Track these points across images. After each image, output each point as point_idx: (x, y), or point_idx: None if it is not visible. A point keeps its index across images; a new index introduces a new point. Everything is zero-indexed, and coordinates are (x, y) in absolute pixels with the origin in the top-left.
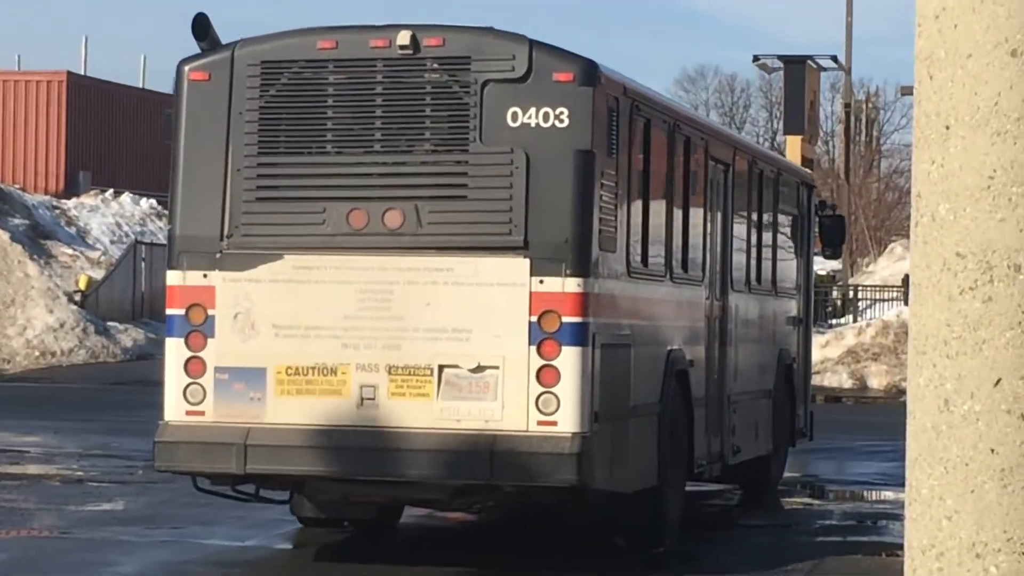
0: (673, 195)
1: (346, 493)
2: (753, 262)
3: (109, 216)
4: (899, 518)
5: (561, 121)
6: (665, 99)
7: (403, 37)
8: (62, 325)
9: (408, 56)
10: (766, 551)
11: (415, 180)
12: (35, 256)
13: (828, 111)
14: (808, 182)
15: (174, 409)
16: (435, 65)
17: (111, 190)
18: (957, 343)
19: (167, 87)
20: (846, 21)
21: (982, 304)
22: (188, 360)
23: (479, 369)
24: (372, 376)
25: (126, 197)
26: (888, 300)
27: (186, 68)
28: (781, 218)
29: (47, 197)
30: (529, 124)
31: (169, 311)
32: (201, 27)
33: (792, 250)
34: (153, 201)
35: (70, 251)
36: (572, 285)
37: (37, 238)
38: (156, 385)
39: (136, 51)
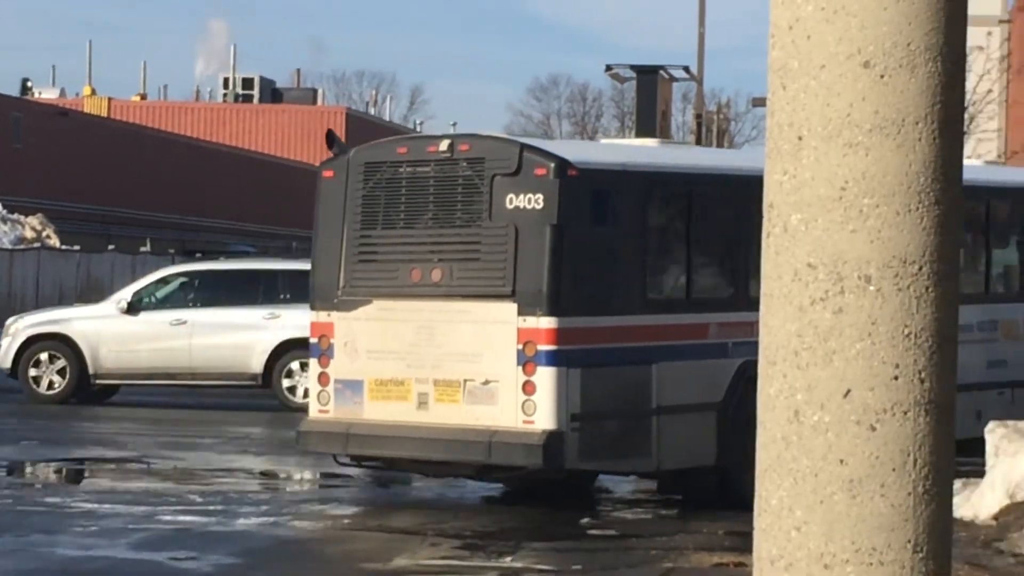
0: (701, 245)
1: (417, 470)
2: None
3: None
4: None
5: (538, 204)
6: (678, 169)
7: (443, 144)
8: None
9: (447, 158)
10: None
11: (450, 247)
12: None
13: (680, 121)
14: None
15: (313, 408)
16: (464, 164)
17: None
18: (807, 354)
19: (14, 90)
20: (698, 32)
21: (832, 315)
22: (320, 375)
23: (487, 383)
24: (425, 387)
25: None
26: None
27: (321, 169)
28: None
29: None
30: (519, 206)
31: (311, 339)
32: (330, 139)
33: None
34: None
35: None
36: (545, 322)
37: None
38: None
39: None
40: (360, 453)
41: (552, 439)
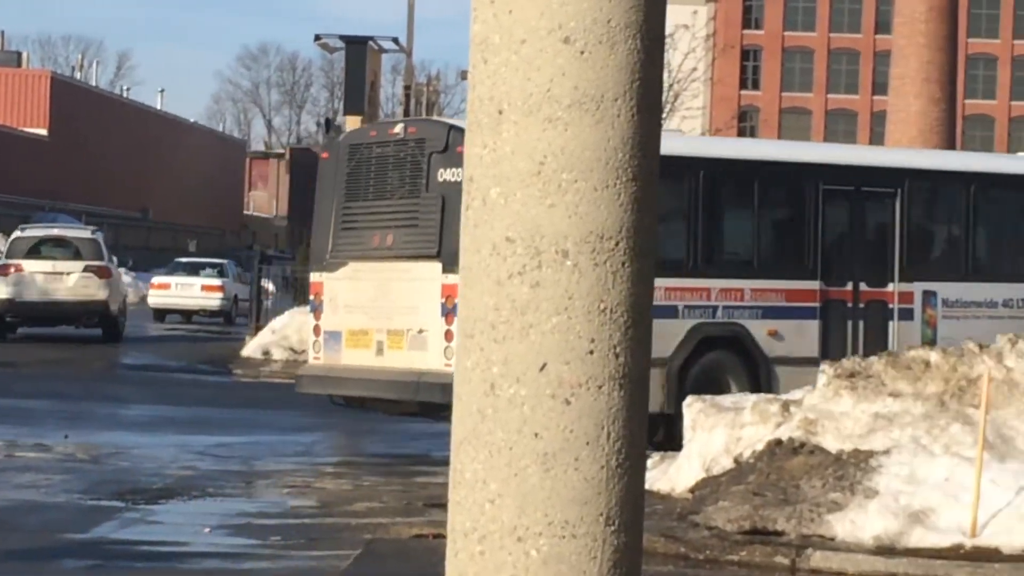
0: None
1: (380, 408)
2: None
3: None
4: None
5: (459, 177)
6: None
7: (399, 127)
8: None
9: (400, 139)
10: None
11: (400, 215)
12: None
13: (389, 92)
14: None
15: (310, 356)
16: (412, 144)
17: None
18: (504, 327)
19: None
20: (408, 3)
21: (530, 289)
22: (315, 326)
23: (421, 332)
24: (381, 336)
25: None
26: None
27: (320, 151)
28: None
29: None
30: (447, 179)
31: (310, 296)
32: (328, 124)
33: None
34: None
35: None
36: None
37: None
38: None
39: None
40: (337, 393)
41: None
